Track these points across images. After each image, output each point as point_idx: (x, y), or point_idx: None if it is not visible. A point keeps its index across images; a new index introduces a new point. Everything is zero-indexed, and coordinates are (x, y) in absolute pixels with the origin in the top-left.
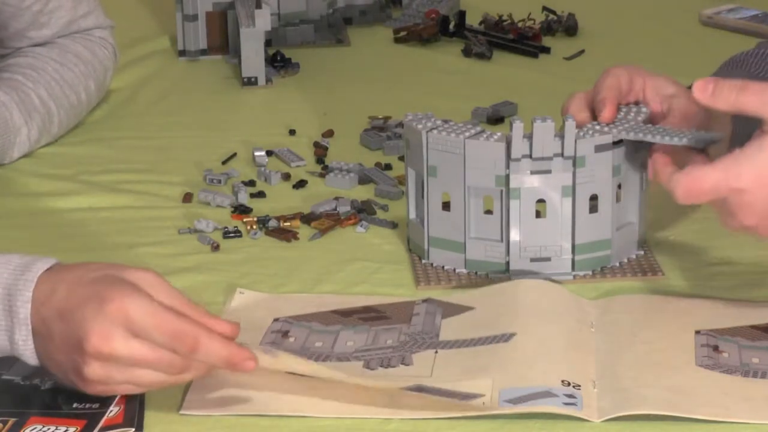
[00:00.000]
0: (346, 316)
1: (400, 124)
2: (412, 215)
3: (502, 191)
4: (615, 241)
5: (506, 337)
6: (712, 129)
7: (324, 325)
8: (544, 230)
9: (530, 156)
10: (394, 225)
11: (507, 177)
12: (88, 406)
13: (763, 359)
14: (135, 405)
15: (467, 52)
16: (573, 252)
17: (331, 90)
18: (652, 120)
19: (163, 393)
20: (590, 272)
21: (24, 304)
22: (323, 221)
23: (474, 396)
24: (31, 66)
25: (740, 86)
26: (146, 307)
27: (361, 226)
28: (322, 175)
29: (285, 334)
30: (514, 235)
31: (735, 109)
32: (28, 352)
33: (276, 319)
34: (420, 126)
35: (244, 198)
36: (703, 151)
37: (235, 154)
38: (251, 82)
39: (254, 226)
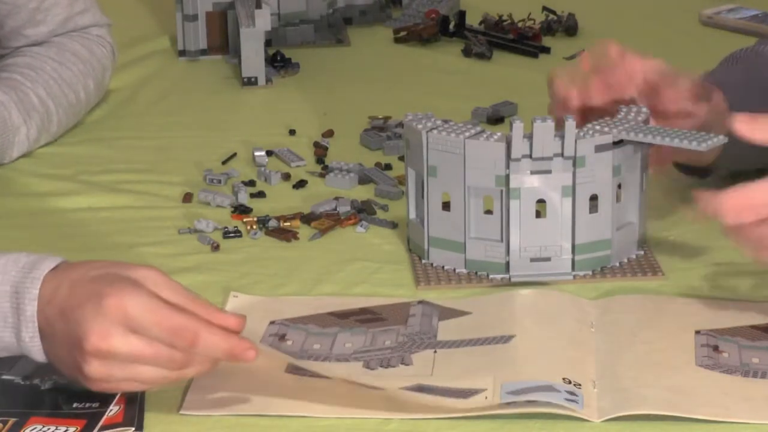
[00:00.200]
0: (342, 318)
1: (400, 124)
2: (412, 215)
3: (502, 191)
4: (615, 241)
5: (505, 339)
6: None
7: (321, 327)
8: (544, 230)
9: (530, 156)
10: (394, 225)
11: (507, 177)
12: (88, 405)
13: (763, 359)
14: (135, 404)
15: (467, 52)
16: (573, 252)
17: (331, 90)
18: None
19: (163, 393)
20: (590, 272)
21: (31, 302)
22: (323, 221)
23: (476, 391)
24: (29, 65)
25: None
26: (144, 304)
27: (361, 226)
28: (322, 175)
29: (282, 337)
30: (514, 235)
31: None
32: (35, 349)
33: (272, 322)
34: (420, 126)
35: (244, 198)
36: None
37: (235, 154)
38: (251, 82)
39: (254, 226)
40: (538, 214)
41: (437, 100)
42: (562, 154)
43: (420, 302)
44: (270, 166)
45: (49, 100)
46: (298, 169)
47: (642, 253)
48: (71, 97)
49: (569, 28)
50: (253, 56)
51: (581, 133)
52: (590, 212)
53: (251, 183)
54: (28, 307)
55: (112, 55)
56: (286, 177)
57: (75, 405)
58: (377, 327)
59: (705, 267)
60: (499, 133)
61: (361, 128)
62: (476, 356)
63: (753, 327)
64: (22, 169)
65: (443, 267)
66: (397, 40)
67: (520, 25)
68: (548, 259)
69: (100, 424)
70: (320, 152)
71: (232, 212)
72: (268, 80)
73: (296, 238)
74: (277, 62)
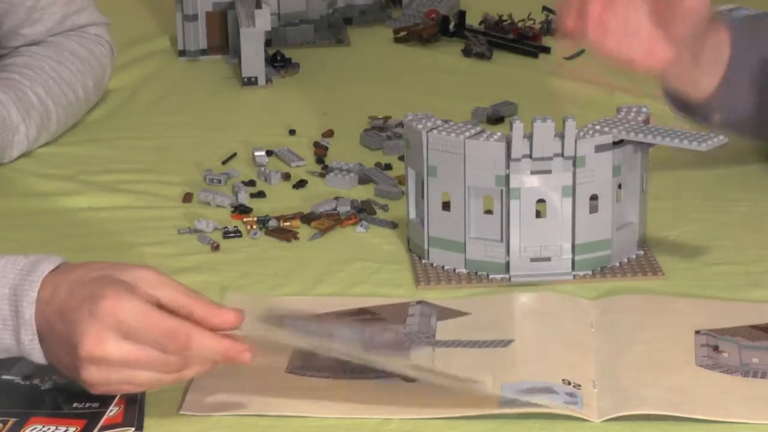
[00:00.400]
0: (340, 318)
1: (400, 124)
2: (412, 215)
3: (502, 191)
4: (615, 241)
5: (504, 343)
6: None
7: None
8: (544, 230)
9: (530, 156)
10: (394, 225)
11: (507, 177)
12: (88, 405)
13: (763, 359)
14: (135, 405)
15: (467, 52)
16: (573, 252)
17: (331, 90)
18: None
19: (163, 393)
20: (590, 272)
21: (29, 305)
22: (323, 221)
23: (476, 382)
24: (27, 65)
25: None
26: (136, 309)
27: (361, 226)
28: (322, 175)
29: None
30: (514, 235)
31: None
32: (35, 351)
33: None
34: (420, 126)
35: (244, 198)
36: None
37: (235, 154)
38: (251, 82)
39: (254, 226)
40: (538, 214)
41: (437, 100)
42: (562, 154)
43: (419, 302)
44: (270, 166)
45: (48, 99)
46: (298, 169)
47: (642, 253)
48: (70, 96)
49: None
50: (253, 56)
51: (581, 133)
52: (590, 212)
53: (251, 183)
54: (26, 310)
55: (111, 54)
56: (286, 177)
57: (75, 405)
58: (376, 326)
59: (705, 267)
60: (499, 133)
61: (361, 128)
62: (475, 357)
63: (753, 327)
64: (22, 169)
65: (443, 267)
66: (397, 40)
67: (520, 25)
68: (548, 259)
69: (100, 424)
70: (320, 152)
71: (232, 212)
72: (268, 80)
73: (296, 238)
74: (277, 62)
